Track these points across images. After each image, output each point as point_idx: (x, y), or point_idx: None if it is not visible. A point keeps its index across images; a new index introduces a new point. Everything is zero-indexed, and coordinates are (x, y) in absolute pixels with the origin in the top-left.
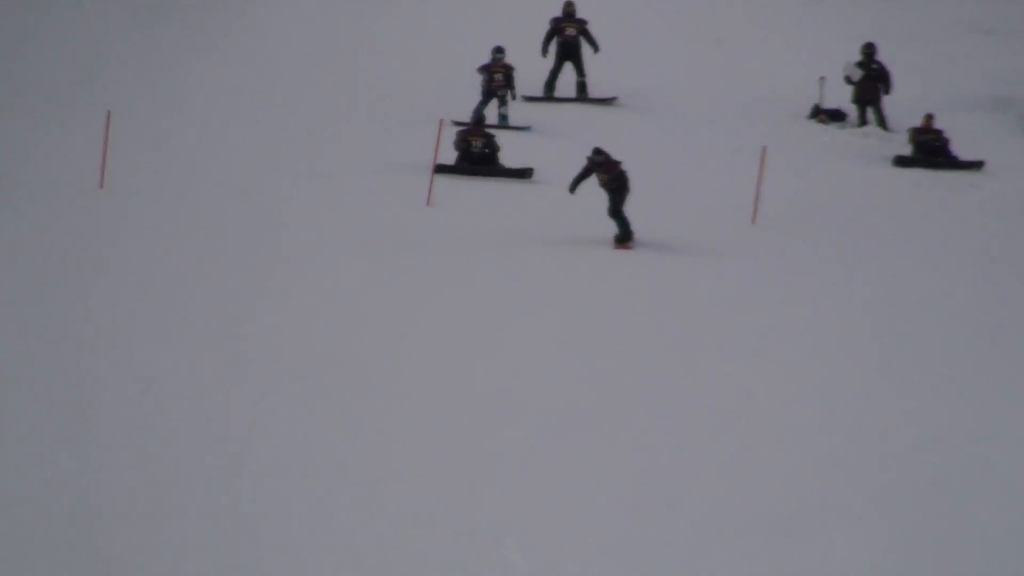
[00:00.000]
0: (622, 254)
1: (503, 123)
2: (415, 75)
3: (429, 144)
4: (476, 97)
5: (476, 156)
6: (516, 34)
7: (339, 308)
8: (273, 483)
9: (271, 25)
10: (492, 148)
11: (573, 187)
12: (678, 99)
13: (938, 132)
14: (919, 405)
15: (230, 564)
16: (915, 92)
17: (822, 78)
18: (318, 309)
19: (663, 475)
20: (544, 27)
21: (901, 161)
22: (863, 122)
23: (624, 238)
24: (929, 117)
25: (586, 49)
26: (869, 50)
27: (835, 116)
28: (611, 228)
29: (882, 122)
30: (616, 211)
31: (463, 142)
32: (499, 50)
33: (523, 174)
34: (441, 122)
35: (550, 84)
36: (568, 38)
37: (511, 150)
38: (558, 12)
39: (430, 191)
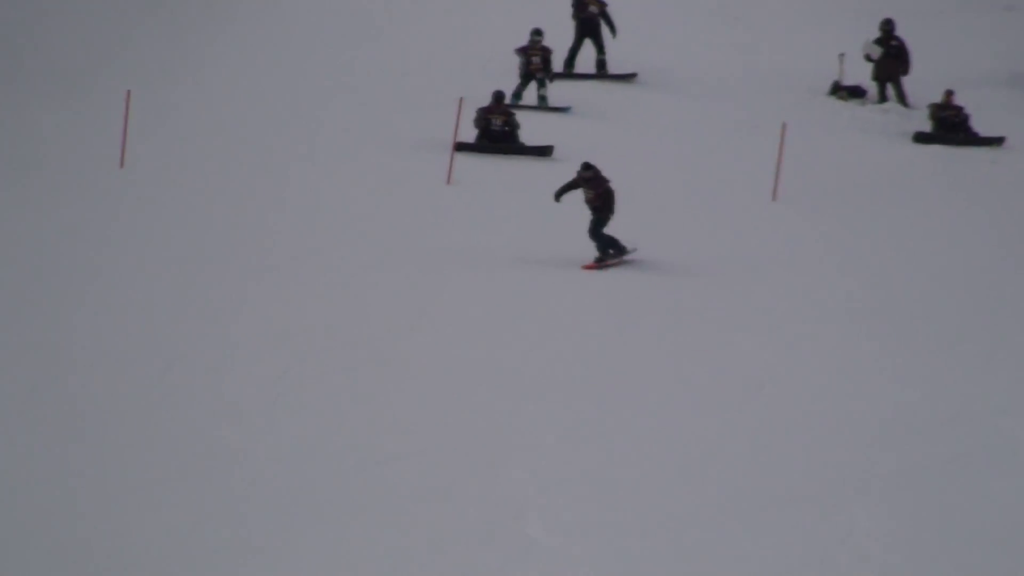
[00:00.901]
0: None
1: (543, 104)
2: (437, 54)
3: (449, 123)
4: (499, 78)
5: (496, 134)
6: (544, 15)
7: (360, 286)
8: (294, 458)
9: (293, 4)
10: (512, 126)
11: (558, 196)
12: (697, 75)
13: (958, 108)
14: (940, 379)
15: (251, 537)
16: (935, 68)
17: (841, 55)
18: (339, 286)
19: (684, 450)
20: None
21: (921, 137)
22: (883, 98)
23: (600, 259)
24: (949, 93)
25: (605, 28)
26: (888, 27)
27: (855, 93)
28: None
29: (902, 98)
30: (596, 232)
31: (483, 120)
32: (537, 32)
33: (543, 152)
34: (461, 100)
35: (570, 61)
36: (589, 15)
37: (532, 128)
38: None
39: (450, 170)
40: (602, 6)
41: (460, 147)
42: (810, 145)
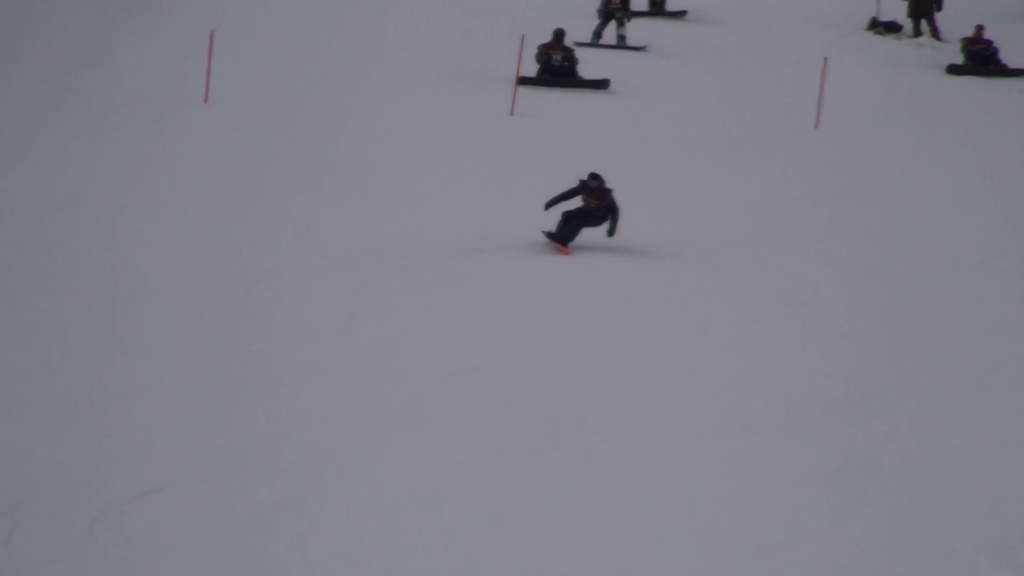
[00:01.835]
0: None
1: (621, 43)
2: None
3: (513, 59)
4: (560, 17)
5: (556, 69)
6: None
7: (431, 210)
8: (369, 373)
9: None
10: (571, 61)
11: (550, 205)
12: (744, 13)
13: (988, 42)
14: (975, 296)
15: (329, 448)
16: (966, 5)
17: None
18: (410, 210)
19: (733, 364)
20: None
21: (953, 69)
22: (917, 33)
23: (556, 237)
24: (979, 28)
25: None
26: None
27: (891, 28)
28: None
29: (935, 33)
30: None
31: (544, 55)
32: None
33: (600, 85)
34: (523, 38)
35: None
36: None
37: (590, 62)
38: None
39: (513, 102)
40: None
41: (523, 81)
42: (850, 77)
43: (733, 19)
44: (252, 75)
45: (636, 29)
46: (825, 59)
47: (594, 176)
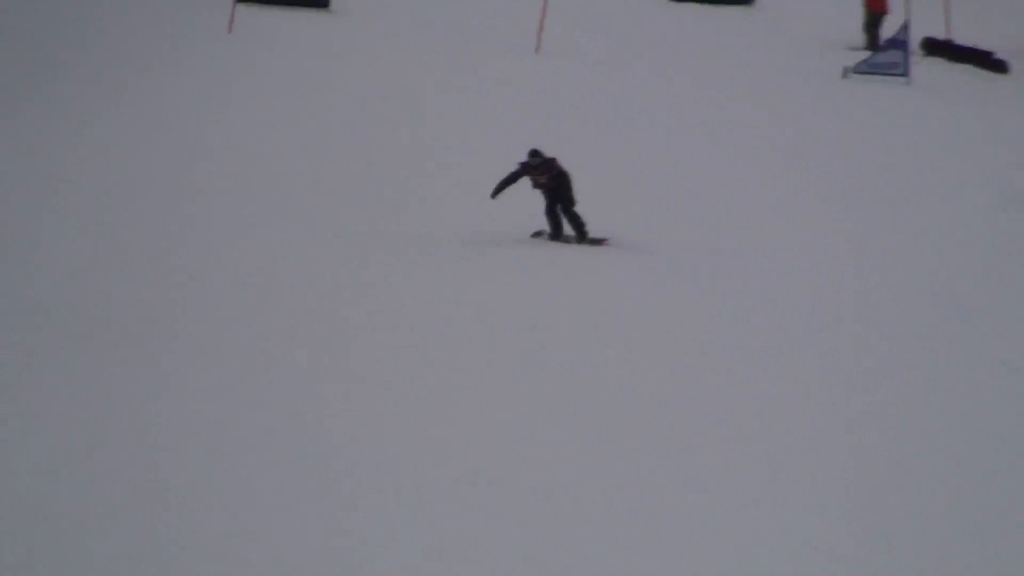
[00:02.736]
0: None
1: None
2: None
3: None
4: None
5: None
6: None
7: None
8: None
9: None
10: None
11: (496, 192)
12: None
13: None
14: None
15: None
16: None
17: None
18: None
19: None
20: None
21: None
22: None
23: (582, 238)
24: None
25: None
26: None
27: None
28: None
29: None
30: (567, 211)
31: None
32: None
33: (320, 3)
34: None
35: None
36: None
37: None
38: None
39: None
40: None
41: None
42: (571, 4)
43: None
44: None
45: None
46: None
47: (534, 153)
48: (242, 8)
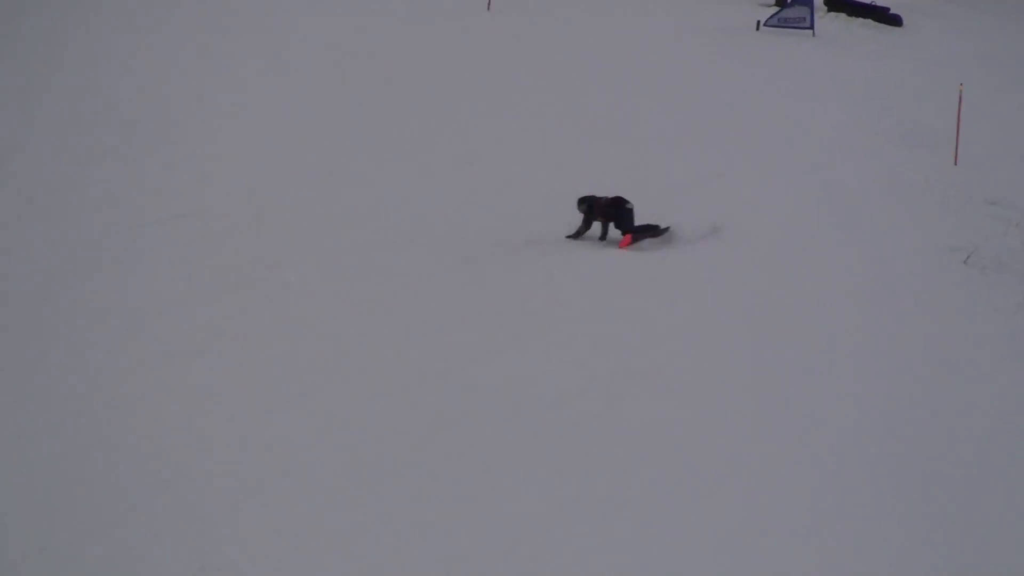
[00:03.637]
0: None
1: None
2: None
3: None
4: None
5: None
6: None
7: None
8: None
9: None
10: None
11: (577, 236)
12: None
13: None
14: None
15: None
16: None
17: None
18: None
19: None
20: None
21: None
22: None
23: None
24: None
25: None
26: None
27: None
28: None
29: None
30: (627, 229)
31: None
32: None
33: None
34: None
35: None
36: None
37: None
38: None
39: None
40: None
41: None
42: None
43: None
44: None
45: None
46: None
47: (580, 200)
48: None
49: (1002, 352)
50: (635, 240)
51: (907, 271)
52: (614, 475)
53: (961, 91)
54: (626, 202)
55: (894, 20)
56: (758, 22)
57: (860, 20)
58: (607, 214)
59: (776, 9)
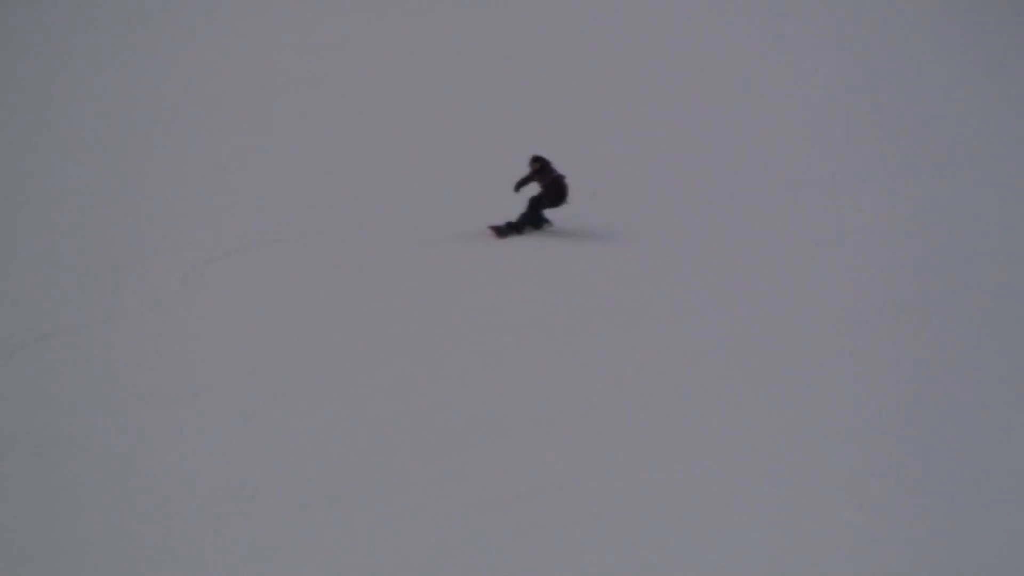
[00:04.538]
0: None
1: None
2: None
3: None
4: None
5: None
6: None
7: None
8: None
9: None
10: None
11: (518, 187)
12: None
13: None
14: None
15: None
16: None
17: None
18: None
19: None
20: None
21: None
22: None
23: (507, 229)
24: None
25: None
26: None
27: None
28: None
29: None
30: (534, 205)
31: None
32: None
33: None
34: None
35: None
36: None
37: None
38: None
39: None
40: None
41: None
42: None
43: None
44: None
45: None
46: None
47: (533, 159)
48: None
49: None
50: (501, 233)
51: None
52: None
53: None
54: (548, 196)
55: None
56: None
57: None
58: (546, 185)
59: None
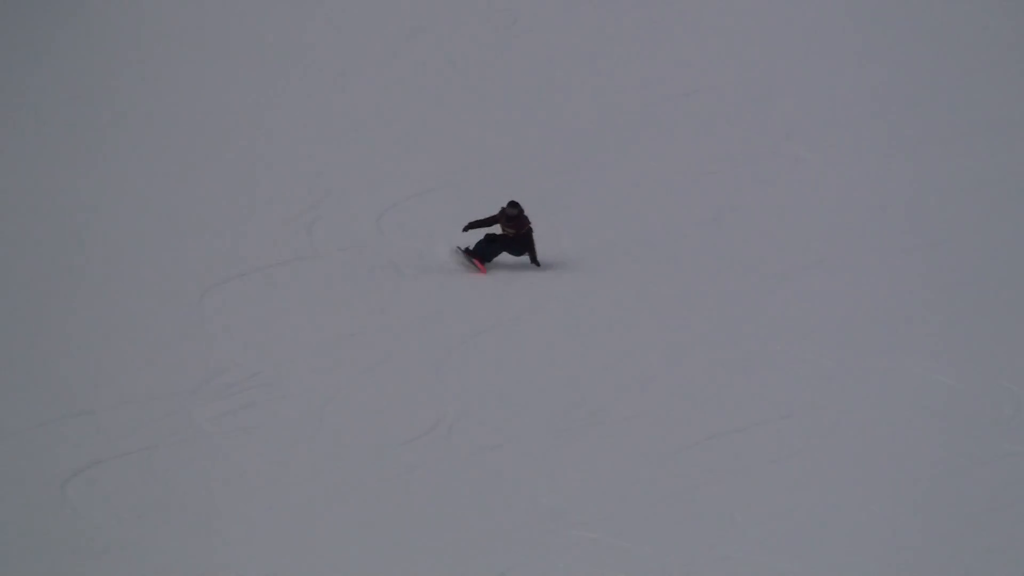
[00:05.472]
0: None
1: None
2: None
3: None
4: None
5: None
6: None
7: None
8: None
9: None
10: None
11: (468, 228)
12: None
13: None
14: None
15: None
16: None
17: None
18: None
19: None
20: None
21: None
22: None
23: (474, 254)
24: None
25: None
26: None
27: None
28: None
29: None
30: (488, 240)
31: None
32: None
33: None
34: None
35: None
36: None
37: None
38: None
39: None
40: None
41: None
42: None
43: None
44: None
45: None
46: None
47: (512, 204)
48: None
49: None
50: (470, 256)
51: None
52: None
53: None
54: (516, 243)
55: None
56: None
57: None
58: (523, 234)
59: None
